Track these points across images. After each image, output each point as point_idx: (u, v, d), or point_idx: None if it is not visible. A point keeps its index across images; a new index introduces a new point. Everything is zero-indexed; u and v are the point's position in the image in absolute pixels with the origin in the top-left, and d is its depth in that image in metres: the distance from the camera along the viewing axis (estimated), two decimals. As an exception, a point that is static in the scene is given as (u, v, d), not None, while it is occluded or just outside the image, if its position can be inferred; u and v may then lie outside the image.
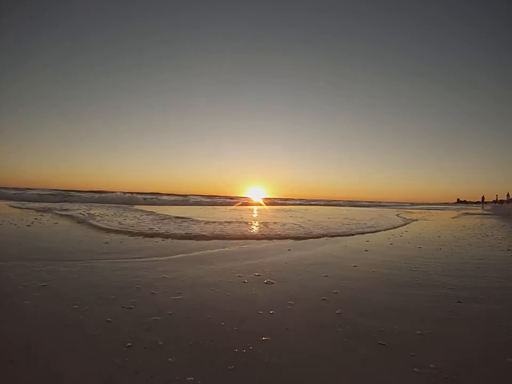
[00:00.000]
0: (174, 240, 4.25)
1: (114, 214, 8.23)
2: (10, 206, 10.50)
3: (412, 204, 47.21)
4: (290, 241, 4.52)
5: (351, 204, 36.47)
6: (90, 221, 6.12)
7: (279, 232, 5.17)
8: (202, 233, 4.76)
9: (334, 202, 37.14)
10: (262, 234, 4.92)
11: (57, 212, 8.30)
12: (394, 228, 7.11)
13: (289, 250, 3.78)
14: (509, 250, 4.19)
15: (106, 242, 3.91)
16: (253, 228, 5.76)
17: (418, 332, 1.54)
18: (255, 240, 4.44)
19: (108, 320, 1.58)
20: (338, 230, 5.77)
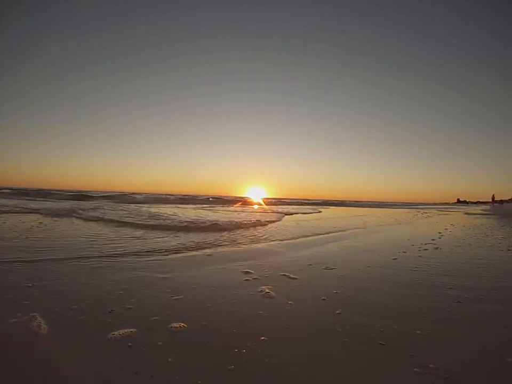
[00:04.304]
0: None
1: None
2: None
3: (408, 204, 47.02)
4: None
5: (354, 204, 36.37)
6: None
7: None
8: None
9: (338, 203, 36.94)
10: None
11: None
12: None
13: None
14: (509, 250, 4.19)
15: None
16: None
17: (418, 332, 1.54)
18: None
19: (108, 321, 1.58)
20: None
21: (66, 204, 11.68)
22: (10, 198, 14.48)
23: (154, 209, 10.91)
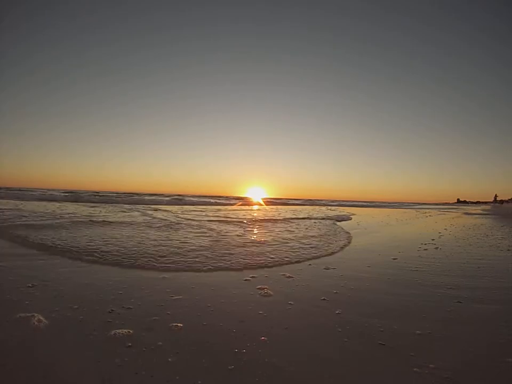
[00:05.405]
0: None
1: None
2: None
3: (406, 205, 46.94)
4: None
5: (355, 204, 36.34)
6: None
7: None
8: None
9: (344, 203, 36.78)
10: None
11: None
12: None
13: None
14: (508, 250, 4.19)
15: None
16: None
17: (418, 332, 1.54)
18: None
19: (108, 321, 1.58)
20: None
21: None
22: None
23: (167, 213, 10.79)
